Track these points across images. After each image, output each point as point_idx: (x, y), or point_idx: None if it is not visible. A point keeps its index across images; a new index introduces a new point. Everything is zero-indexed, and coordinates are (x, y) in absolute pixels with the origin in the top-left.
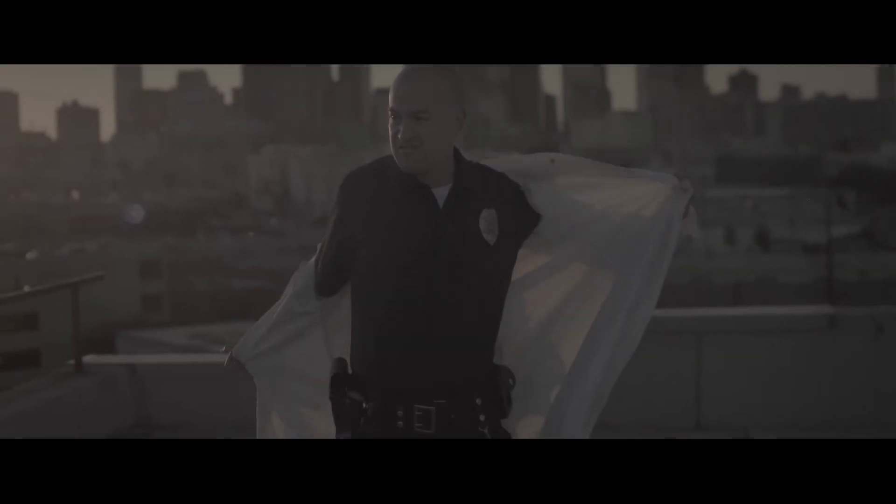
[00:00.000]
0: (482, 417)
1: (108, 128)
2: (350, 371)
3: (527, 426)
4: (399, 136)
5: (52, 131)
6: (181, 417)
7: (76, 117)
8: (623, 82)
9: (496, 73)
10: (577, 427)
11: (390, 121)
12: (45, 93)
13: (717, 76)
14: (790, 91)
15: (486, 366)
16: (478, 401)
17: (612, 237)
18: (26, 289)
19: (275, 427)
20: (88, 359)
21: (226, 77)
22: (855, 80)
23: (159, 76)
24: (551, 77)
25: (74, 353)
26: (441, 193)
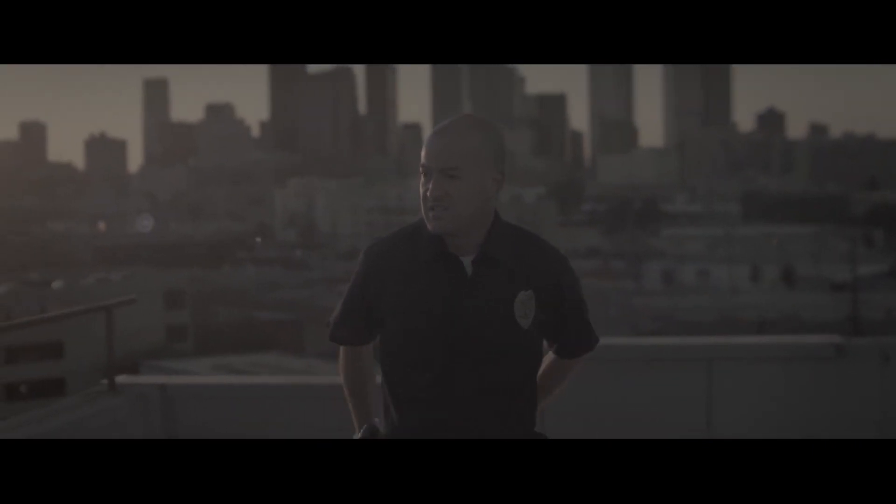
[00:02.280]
0: None
1: (135, 159)
2: (377, 435)
3: None
4: (429, 194)
5: (79, 162)
6: (209, 436)
7: (104, 148)
8: (650, 119)
9: (523, 107)
10: None
11: (421, 178)
12: (73, 124)
13: (745, 113)
14: (818, 129)
15: (523, 436)
16: None
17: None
18: (61, 311)
19: None
20: (121, 378)
21: (253, 110)
22: (883, 120)
23: (187, 108)
24: (578, 112)
25: (108, 373)
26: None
